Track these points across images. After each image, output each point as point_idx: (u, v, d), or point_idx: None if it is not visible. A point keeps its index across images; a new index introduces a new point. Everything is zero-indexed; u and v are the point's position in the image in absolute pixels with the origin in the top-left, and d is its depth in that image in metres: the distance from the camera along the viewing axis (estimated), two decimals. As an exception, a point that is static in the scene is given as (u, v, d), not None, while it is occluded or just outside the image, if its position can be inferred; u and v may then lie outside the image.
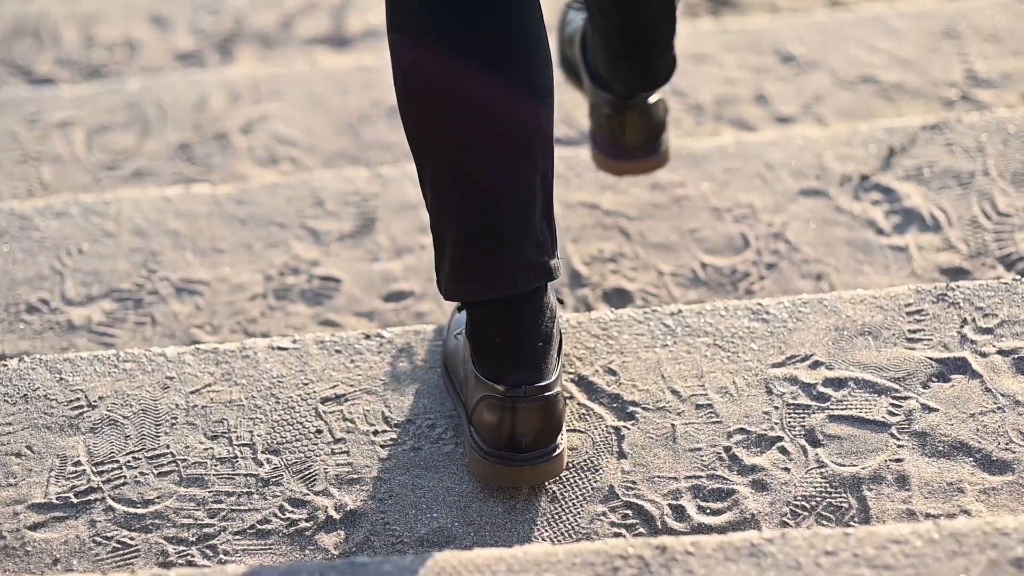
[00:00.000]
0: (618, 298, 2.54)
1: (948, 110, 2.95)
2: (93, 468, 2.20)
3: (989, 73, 3.02)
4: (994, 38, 3.10)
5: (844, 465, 2.11)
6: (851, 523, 2.06)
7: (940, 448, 2.12)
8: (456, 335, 2.24)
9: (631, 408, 2.21)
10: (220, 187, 2.80)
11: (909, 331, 2.27)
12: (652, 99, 2.47)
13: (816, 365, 2.24)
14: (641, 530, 2.08)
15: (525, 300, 2.08)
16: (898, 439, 2.14)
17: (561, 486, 2.13)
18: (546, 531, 2.09)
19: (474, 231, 2.04)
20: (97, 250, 2.70)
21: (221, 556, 2.11)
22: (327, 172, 2.91)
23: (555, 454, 2.09)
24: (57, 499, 2.18)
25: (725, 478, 2.12)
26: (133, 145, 3.07)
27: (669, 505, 2.11)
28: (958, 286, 2.32)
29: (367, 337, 2.35)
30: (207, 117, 3.12)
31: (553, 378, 2.07)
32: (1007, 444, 2.12)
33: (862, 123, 2.90)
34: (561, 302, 2.46)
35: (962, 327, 2.27)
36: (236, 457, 2.21)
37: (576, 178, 2.74)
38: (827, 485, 2.10)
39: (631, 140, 2.49)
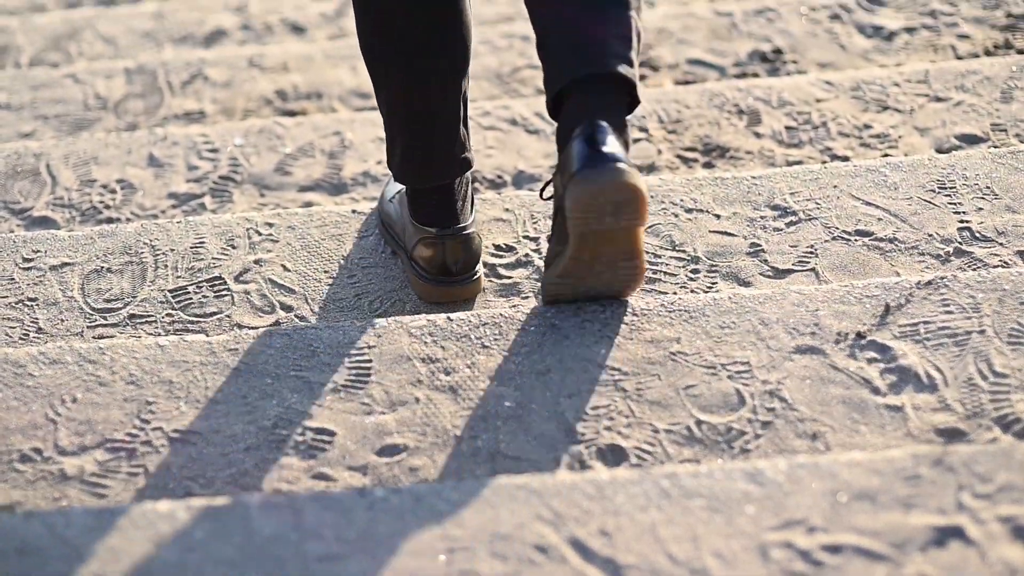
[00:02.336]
0: (612, 455, 2.53)
1: (943, 266, 2.96)
2: (82, 627, 2.19)
3: (984, 228, 3.04)
4: (989, 192, 3.12)
5: (841, 634, 2.10)
6: None
7: (937, 617, 2.11)
8: (391, 200, 3.11)
9: (625, 572, 2.20)
10: (215, 336, 2.79)
11: (906, 496, 2.26)
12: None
13: (812, 530, 2.22)
14: None
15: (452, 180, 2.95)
16: (895, 608, 2.12)
17: (555, 651, 2.12)
18: None
19: (417, 140, 2.86)
20: (91, 399, 2.69)
21: None
22: (322, 321, 2.91)
23: (475, 277, 2.97)
24: (45, 659, 2.16)
25: (721, 646, 2.10)
26: (128, 289, 3.07)
27: (664, 673, 2.09)
28: (955, 451, 2.31)
29: (361, 495, 2.34)
30: (202, 262, 3.13)
31: (469, 222, 2.95)
32: (1005, 614, 2.11)
33: (857, 279, 2.91)
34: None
35: (959, 492, 2.26)
36: (227, 617, 2.19)
37: (577, 333, 2.74)
38: (824, 654, 2.08)
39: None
